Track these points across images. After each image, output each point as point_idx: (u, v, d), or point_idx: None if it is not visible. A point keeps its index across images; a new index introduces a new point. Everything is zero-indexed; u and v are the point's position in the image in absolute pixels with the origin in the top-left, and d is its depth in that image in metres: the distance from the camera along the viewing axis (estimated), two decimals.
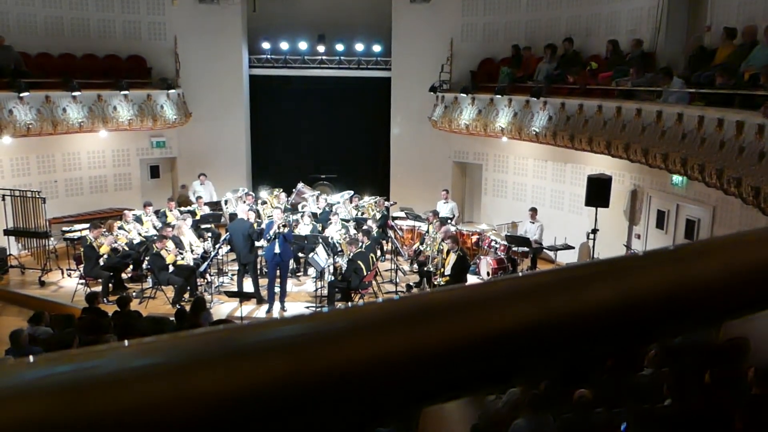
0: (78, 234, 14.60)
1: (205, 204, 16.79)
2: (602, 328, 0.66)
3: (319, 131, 20.45)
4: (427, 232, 15.23)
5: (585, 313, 0.64)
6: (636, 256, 0.71)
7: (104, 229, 13.94)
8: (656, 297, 0.69)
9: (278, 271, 12.95)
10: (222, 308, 12.97)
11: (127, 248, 14.08)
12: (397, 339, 0.55)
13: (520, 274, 0.69)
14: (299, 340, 0.53)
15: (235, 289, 13.36)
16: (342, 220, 15.14)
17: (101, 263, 13.52)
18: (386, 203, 17.28)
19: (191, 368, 0.47)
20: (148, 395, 0.45)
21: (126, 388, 0.46)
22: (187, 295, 13.18)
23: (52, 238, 15.23)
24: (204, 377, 0.47)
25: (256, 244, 13.12)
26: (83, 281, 13.59)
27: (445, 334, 0.57)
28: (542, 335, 0.61)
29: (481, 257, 14.67)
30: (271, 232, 12.48)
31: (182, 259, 13.41)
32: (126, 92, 16.56)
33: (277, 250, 12.50)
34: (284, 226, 12.63)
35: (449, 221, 16.00)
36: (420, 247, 15.01)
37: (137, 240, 14.39)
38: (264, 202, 16.15)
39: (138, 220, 15.12)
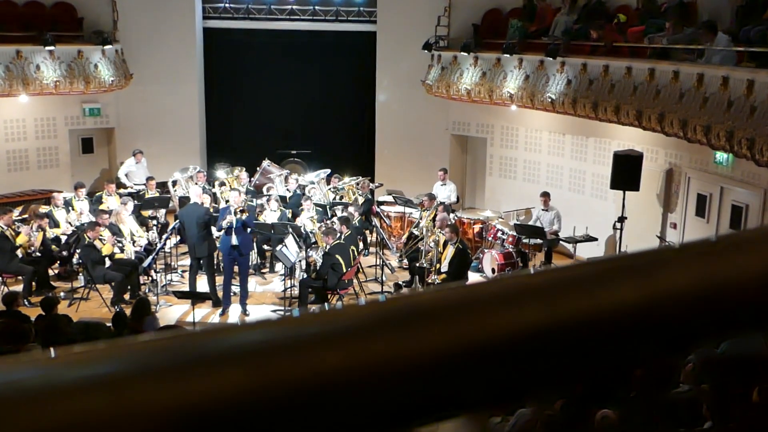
0: None
1: (135, 185, 16.78)
2: (622, 333, 0.67)
3: (288, 97, 20.38)
4: (420, 219, 15.26)
5: (601, 316, 0.65)
6: (662, 249, 0.73)
7: (27, 216, 13.87)
8: (687, 297, 0.71)
9: (236, 268, 12.96)
10: (170, 312, 12.96)
11: (54, 244, 13.98)
12: (378, 347, 0.56)
13: (531, 270, 0.71)
14: (262, 349, 0.54)
15: (186, 288, 13.34)
16: (316, 205, 15.14)
17: (20, 255, 13.44)
18: (370, 185, 17.29)
19: (131, 381, 0.48)
20: (80, 413, 0.46)
21: (54, 405, 0.47)
22: (127, 296, 13.15)
23: None
24: (146, 392, 0.48)
25: (214, 234, 13.11)
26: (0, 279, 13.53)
27: (434, 341, 0.58)
28: (550, 342, 0.62)
29: (485, 251, 14.73)
30: (224, 223, 12.43)
31: (121, 251, 13.37)
32: (52, 48, 16.41)
33: (234, 242, 12.48)
34: (242, 211, 12.57)
35: (450, 206, 16.04)
36: (414, 231, 15.08)
37: (68, 231, 14.31)
38: (222, 184, 16.13)
39: (68, 204, 15.03)
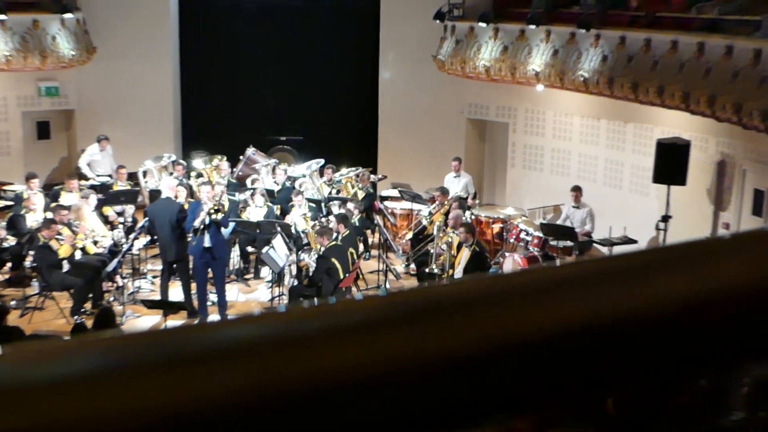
0: None
1: (99, 176, 16.76)
2: (671, 334, 0.68)
3: (278, 75, 20.37)
4: (430, 215, 15.22)
5: (648, 314, 0.66)
6: (720, 239, 0.73)
7: None
8: (747, 294, 0.71)
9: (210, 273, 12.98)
10: (138, 323, 12.94)
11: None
12: (389, 345, 0.56)
13: (566, 261, 0.71)
14: (257, 345, 0.54)
15: (157, 296, 13.34)
16: (309, 200, 15.13)
17: None
18: (372, 178, 17.28)
19: (112, 379, 0.49)
20: (54, 413, 0.47)
21: (25, 404, 0.48)
22: (89, 305, 13.14)
23: None
24: (129, 391, 0.49)
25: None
26: None
27: (454, 340, 0.58)
28: (586, 343, 0.63)
29: (506, 254, 14.71)
30: (196, 223, 12.37)
31: (82, 251, 13.37)
32: (3, 17, 16.42)
33: (207, 243, 12.44)
34: (216, 210, 12.48)
35: (465, 202, 16.01)
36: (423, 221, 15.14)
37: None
38: (199, 175, 16.12)
39: (17, 199, 15.02)
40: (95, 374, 0.49)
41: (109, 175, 16.75)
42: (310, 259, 13.20)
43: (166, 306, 12.27)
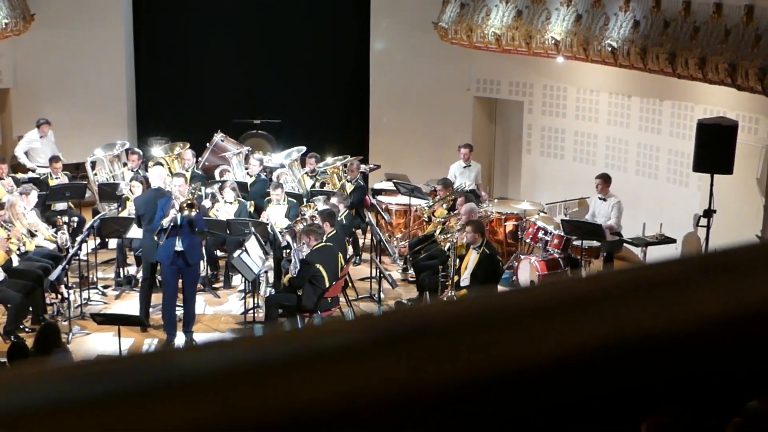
0: None
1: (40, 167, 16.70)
2: (703, 356, 0.70)
3: (251, 48, 20.30)
4: (431, 209, 15.21)
5: (675, 333, 0.68)
6: (754, 246, 0.75)
7: None
8: None
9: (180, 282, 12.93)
10: (87, 342, 12.91)
11: None
12: (378, 370, 0.58)
13: (582, 275, 0.73)
14: (225, 375, 0.56)
15: (110, 310, 13.31)
16: (289, 195, 15.09)
17: None
18: (363, 168, 17.25)
19: (64, 413, 0.51)
20: None
21: None
22: (28, 322, 13.10)
23: None
24: (82, 424, 0.50)
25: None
26: None
27: (452, 365, 0.60)
28: (607, 367, 0.65)
29: (522, 257, 14.70)
30: (165, 221, 12.25)
31: (21, 256, 13.33)
32: None
33: (179, 246, 12.38)
34: (189, 205, 12.34)
35: (475, 196, 15.98)
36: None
37: None
38: (158, 165, 16.09)
39: None
40: (36, 410, 0.51)
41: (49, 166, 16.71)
42: (296, 253, 12.93)
43: (121, 321, 12.21)
